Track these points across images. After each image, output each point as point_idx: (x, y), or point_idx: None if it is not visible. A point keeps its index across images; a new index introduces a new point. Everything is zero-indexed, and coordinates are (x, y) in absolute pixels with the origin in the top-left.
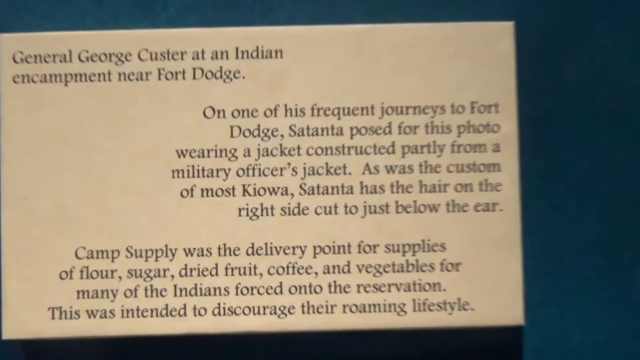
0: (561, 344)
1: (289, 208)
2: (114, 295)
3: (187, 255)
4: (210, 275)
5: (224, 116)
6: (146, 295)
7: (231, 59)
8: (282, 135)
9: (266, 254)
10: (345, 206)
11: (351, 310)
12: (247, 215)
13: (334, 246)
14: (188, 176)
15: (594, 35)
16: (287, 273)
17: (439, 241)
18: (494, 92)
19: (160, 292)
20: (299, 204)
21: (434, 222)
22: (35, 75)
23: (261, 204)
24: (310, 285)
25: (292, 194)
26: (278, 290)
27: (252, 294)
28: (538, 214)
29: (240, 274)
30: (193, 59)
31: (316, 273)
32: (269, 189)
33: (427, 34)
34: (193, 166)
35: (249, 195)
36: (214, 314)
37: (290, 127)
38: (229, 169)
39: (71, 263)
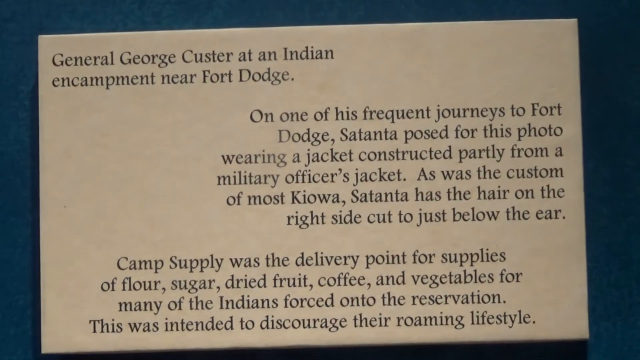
0: None
1: (340, 216)
2: (158, 308)
3: (233, 265)
4: (258, 286)
5: (272, 120)
6: (191, 308)
7: (279, 60)
8: (332, 140)
9: (316, 264)
10: (400, 214)
11: (406, 323)
12: (297, 223)
13: (387, 256)
14: (234, 183)
15: None
16: (339, 284)
17: (498, 250)
18: (556, 93)
19: (206, 304)
20: (350, 211)
21: (493, 231)
22: (76, 78)
23: (311, 212)
24: (362, 297)
25: (344, 201)
26: (329, 302)
27: (301, 306)
28: (603, 221)
29: (289, 285)
30: (239, 60)
31: (369, 284)
32: (319, 196)
33: (485, 33)
34: (240, 172)
35: (299, 202)
36: (261, 327)
37: (341, 131)
38: (278, 175)
39: (113, 274)
